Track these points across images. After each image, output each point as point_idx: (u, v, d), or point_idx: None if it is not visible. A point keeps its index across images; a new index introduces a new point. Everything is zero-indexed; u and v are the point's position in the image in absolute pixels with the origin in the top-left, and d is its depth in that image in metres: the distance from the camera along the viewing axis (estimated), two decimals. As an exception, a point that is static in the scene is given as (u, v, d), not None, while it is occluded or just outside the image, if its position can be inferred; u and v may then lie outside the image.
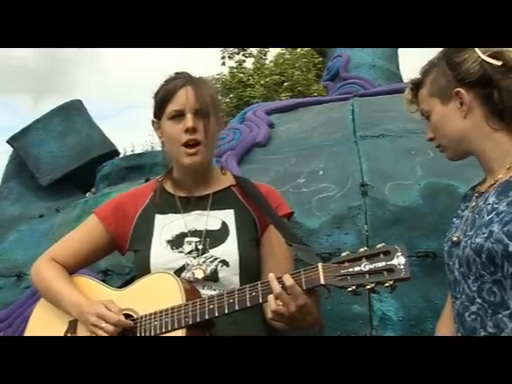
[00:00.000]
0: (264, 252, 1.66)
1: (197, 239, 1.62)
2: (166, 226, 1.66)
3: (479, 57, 1.35)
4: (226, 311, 1.44)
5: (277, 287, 1.38)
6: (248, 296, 1.43)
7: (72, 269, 1.75)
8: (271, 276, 1.41)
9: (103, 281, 1.86)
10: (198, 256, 1.60)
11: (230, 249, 1.60)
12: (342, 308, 1.89)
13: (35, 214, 2.92)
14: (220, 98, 1.70)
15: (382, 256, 1.32)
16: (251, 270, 1.62)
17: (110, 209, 1.75)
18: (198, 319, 1.46)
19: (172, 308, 1.49)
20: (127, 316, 1.56)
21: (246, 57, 19.49)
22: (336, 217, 1.99)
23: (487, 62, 1.35)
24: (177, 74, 1.69)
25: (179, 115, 1.61)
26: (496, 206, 1.30)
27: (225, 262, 1.59)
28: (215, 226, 1.64)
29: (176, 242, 1.63)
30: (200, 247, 1.61)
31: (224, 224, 1.64)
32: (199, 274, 1.58)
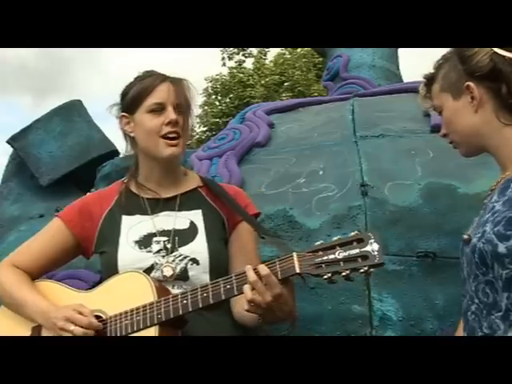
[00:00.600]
0: (233, 250, 1.67)
1: (165, 238, 1.62)
2: (134, 226, 1.65)
3: (490, 50, 1.33)
4: (200, 305, 1.44)
5: (252, 275, 1.39)
6: (222, 289, 1.43)
7: (35, 274, 1.70)
8: (247, 267, 1.41)
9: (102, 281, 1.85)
10: (166, 255, 1.59)
11: (199, 247, 1.60)
12: (342, 308, 1.89)
13: (35, 214, 2.91)
14: (195, 98, 1.71)
15: (355, 243, 1.35)
16: (221, 268, 1.62)
17: (74, 212, 1.72)
18: (172, 315, 1.45)
19: (143, 306, 1.48)
20: (97, 317, 1.52)
21: (246, 57, 19.49)
22: (336, 217, 1.99)
23: (498, 55, 1.32)
24: (147, 72, 1.70)
25: (159, 109, 1.61)
26: (495, 204, 1.29)
27: (195, 260, 1.59)
28: (183, 225, 1.64)
29: (144, 242, 1.62)
30: (169, 246, 1.60)
31: (192, 223, 1.64)
32: (168, 272, 1.57)
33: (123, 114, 1.69)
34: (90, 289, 1.70)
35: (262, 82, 17.36)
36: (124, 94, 1.69)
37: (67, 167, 2.84)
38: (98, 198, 1.75)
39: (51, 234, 1.73)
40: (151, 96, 1.62)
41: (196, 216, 1.66)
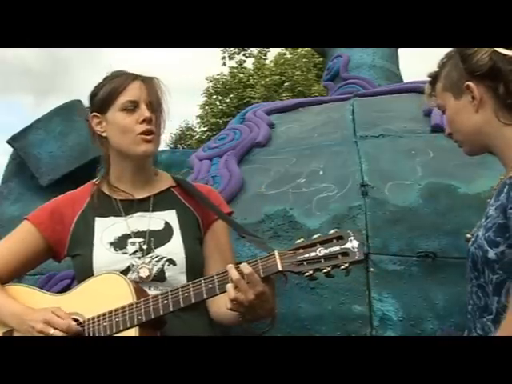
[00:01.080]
0: (209, 250, 1.67)
1: (140, 240, 1.60)
2: (108, 228, 1.62)
3: (490, 48, 1.32)
4: (182, 305, 1.43)
5: (235, 274, 1.39)
6: (204, 288, 1.43)
7: (4, 279, 1.65)
8: (229, 266, 1.42)
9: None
10: (142, 256, 1.58)
11: (175, 247, 1.60)
12: (342, 308, 1.89)
13: (35, 214, 2.91)
14: (166, 97, 1.68)
15: (335, 241, 1.38)
16: (197, 268, 1.62)
17: (45, 214, 1.69)
18: (153, 315, 1.44)
19: (122, 307, 1.46)
20: (74, 320, 1.50)
21: (247, 57, 19.52)
22: (336, 217, 1.99)
23: (498, 53, 1.31)
24: (116, 72, 1.68)
25: (133, 107, 1.60)
26: (490, 208, 1.28)
27: (171, 261, 1.58)
28: (158, 226, 1.63)
29: (119, 244, 1.60)
30: (144, 247, 1.59)
31: (167, 224, 1.63)
32: (144, 273, 1.56)
33: (94, 114, 1.65)
34: (64, 292, 1.67)
35: (263, 82, 17.37)
36: (93, 95, 1.67)
37: (67, 167, 2.83)
38: (70, 200, 1.71)
39: (21, 237, 1.68)
40: (123, 94, 1.60)
41: (170, 216, 1.65)
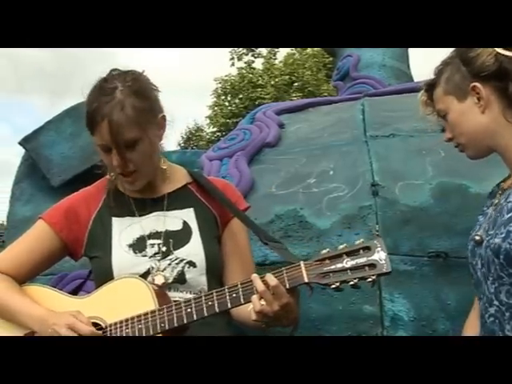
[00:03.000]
0: (227, 249, 1.64)
1: (159, 241, 1.57)
2: (125, 230, 1.60)
3: (494, 50, 1.33)
4: (206, 314, 1.41)
5: (261, 285, 1.37)
6: (228, 297, 1.40)
7: (20, 280, 1.63)
8: (254, 276, 1.40)
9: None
10: (162, 258, 1.55)
11: (195, 249, 1.57)
12: (353, 308, 1.88)
13: (47, 214, 2.92)
14: (155, 94, 1.58)
15: (362, 252, 1.34)
16: (216, 268, 1.60)
17: (60, 213, 1.65)
18: (176, 324, 1.41)
19: (145, 314, 1.43)
20: (95, 324, 1.48)
21: (256, 57, 19.53)
22: (346, 217, 1.98)
23: (502, 55, 1.32)
24: (106, 79, 1.55)
25: (106, 149, 1.52)
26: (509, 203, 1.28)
27: (191, 263, 1.55)
28: (176, 226, 1.60)
29: (138, 246, 1.57)
30: (163, 249, 1.56)
31: (185, 223, 1.60)
32: (159, 280, 1.53)
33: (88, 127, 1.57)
34: (76, 292, 1.67)
35: (272, 82, 17.38)
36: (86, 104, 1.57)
37: (78, 168, 2.84)
38: (84, 198, 1.67)
39: (36, 237, 1.65)
40: (95, 135, 1.53)
41: (188, 215, 1.61)
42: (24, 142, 2.82)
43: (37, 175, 2.87)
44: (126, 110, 1.49)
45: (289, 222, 2.03)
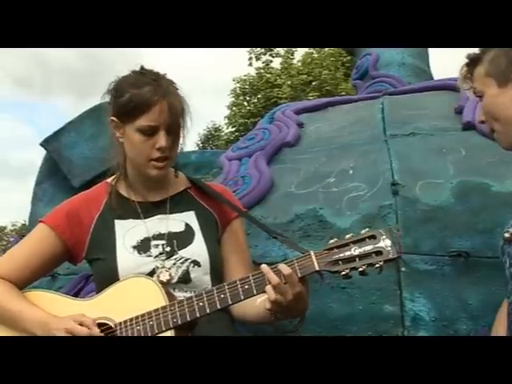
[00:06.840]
0: (228, 248, 1.67)
1: (162, 242, 1.59)
2: (128, 231, 1.61)
3: None
4: (219, 306, 1.44)
5: (275, 277, 1.40)
6: (240, 289, 1.43)
7: (21, 284, 1.62)
8: (265, 267, 1.43)
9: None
10: (166, 258, 1.57)
11: (198, 249, 1.60)
12: (374, 308, 1.87)
13: (68, 215, 2.95)
14: (188, 113, 1.61)
15: (368, 240, 1.40)
16: (218, 268, 1.63)
17: (61, 216, 1.64)
18: (189, 318, 1.43)
19: (155, 310, 1.45)
20: (103, 325, 1.48)
21: (273, 57, 19.50)
22: (367, 216, 1.97)
23: None
24: (142, 72, 1.58)
25: (151, 132, 1.53)
26: None
27: (196, 263, 1.58)
28: (179, 228, 1.62)
29: (142, 247, 1.58)
30: (168, 249, 1.58)
31: (188, 225, 1.63)
32: (165, 277, 1.54)
33: (113, 118, 1.61)
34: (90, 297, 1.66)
35: (290, 82, 17.35)
36: (115, 95, 1.60)
37: (98, 169, 2.87)
38: (85, 201, 1.68)
39: (37, 240, 1.64)
40: (145, 116, 1.52)
41: (190, 218, 1.64)
42: (45, 144, 2.85)
43: (58, 176, 2.90)
44: (179, 97, 1.58)
45: (308, 221, 2.03)
